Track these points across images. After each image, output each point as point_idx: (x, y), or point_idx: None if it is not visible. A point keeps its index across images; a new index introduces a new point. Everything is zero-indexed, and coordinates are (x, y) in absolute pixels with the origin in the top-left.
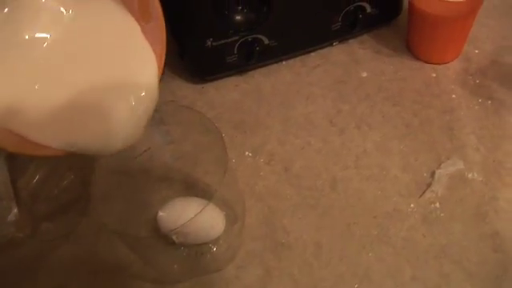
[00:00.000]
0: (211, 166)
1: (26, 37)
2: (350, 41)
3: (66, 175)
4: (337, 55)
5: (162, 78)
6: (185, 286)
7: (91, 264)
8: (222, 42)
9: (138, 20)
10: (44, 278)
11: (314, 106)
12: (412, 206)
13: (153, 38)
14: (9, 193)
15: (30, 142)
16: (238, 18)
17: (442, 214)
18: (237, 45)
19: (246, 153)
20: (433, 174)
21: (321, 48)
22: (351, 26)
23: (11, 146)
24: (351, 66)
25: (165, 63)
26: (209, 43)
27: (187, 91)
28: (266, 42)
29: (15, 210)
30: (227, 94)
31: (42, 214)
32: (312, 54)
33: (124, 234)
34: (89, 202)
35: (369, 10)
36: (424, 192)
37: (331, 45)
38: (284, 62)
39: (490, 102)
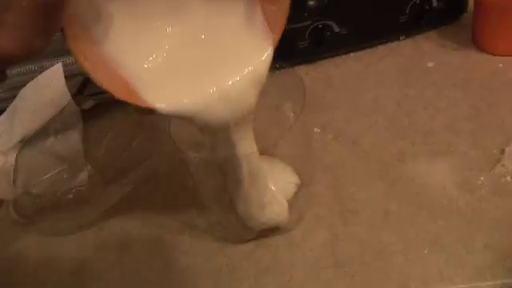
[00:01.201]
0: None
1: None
2: (417, 36)
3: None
4: (404, 48)
5: None
6: (249, 247)
7: (155, 226)
8: (295, 26)
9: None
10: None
11: (381, 90)
12: (482, 178)
13: (274, 19)
14: (81, 158)
15: (138, 96)
16: (311, 2)
17: None
18: (308, 30)
19: (315, 129)
20: (503, 150)
21: (388, 41)
22: (417, 19)
23: (121, 94)
24: (418, 58)
25: None
26: None
27: None
28: (336, 29)
29: (85, 172)
30: None
31: (111, 176)
32: (380, 46)
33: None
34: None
35: (435, 3)
36: (494, 167)
37: (398, 39)
38: (352, 54)
39: None
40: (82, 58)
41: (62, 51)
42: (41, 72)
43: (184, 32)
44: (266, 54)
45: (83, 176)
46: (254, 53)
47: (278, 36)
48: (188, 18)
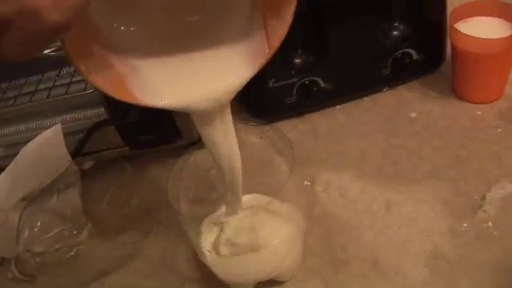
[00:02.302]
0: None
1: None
2: (399, 87)
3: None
4: (387, 99)
5: None
6: None
7: (155, 280)
8: (283, 83)
9: (263, 12)
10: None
11: (367, 141)
12: (465, 225)
13: (272, 33)
14: (80, 216)
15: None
16: (298, 60)
17: (495, 232)
18: (296, 86)
19: (305, 182)
20: (484, 196)
21: (372, 93)
22: (399, 71)
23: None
24: (400, 108)
25: None
26: (271, 84)
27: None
28: (322, 84)
29: (86, 230)
30: (286, 134)
31: (112, 233)
32: (364, 98)
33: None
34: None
35: (415, 56)
36: (476, 213)
37: (381, 90)
38: (338, 106)
39: None
40: (80, 62)
41: (61, 110)
42: (40, 129)
43: (182, 35)
44: (246, 76)
45: (84, 234)
46: (237, 71)
47: (273, 50)
48: (189, 23)
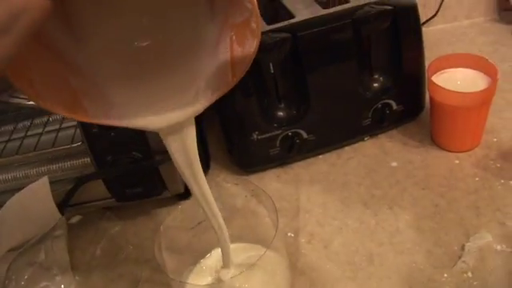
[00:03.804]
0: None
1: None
2: (380, 135)
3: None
4: (368, 148)
5: (209, 172)
6: None
7: None
8: (266, 135)
9: (230, 41)
10: None
11: (349, 192)
12: (445, 275)
13: (239, 61)
14: (67, 269)
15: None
16: (281, 114)
17: (475, 283)
18: (279, 138)
19: (289, 234)
20: (463, 246)
21: (354, 142)
22: (380, 122)
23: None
24: (381, 157)
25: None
26: (255, 136)
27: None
28: (305, 136)
29: (73, 285)
30: (270, 184)
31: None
32: (346, 148)
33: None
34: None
35: (395, 106)
36: (456, 263)
37: (363, 140)
38: (321, 156)
39: (511, 182)
40: (26, 86)
41: (47, 159)
42: (25, 180)
43: (146, 57)
44: (206, 104)
45: (71, 286)
46: (198, 99)
47: (237, 79)
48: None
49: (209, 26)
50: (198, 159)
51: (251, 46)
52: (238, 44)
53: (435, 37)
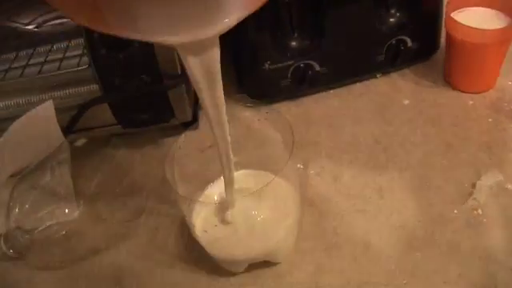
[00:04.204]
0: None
1: None
2: (392, 74)
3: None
4: (380, 86)
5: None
6: (238, 281)
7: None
8: (278, 65)
9: None
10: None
11: (360, 127)
12: (455, 211)
13: None
14: (71, 194)
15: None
16: (293, 43)
17: (484, 220)
18: (291, 69)
19: (298, 165)
20: (474, 184)
21: (366, 79)
22: (394, 58)
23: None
24: (394, 95)
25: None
26: (266, 66)
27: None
28: (317, 68)
29: (77, 209)
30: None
31: (103, 212)
32: (358, 84)
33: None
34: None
35: (409, 44)
36: (466, 200)
37: (375, 76)
38: (332, 91)
39: None
40: None
41: (52, 86)
42: (30, 105)
43: None
44: (226, 25)
45: (75, 212)
46: (218, 20)
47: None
48: None
49: None
50: (221, 80)
51: None
52: None
53: None
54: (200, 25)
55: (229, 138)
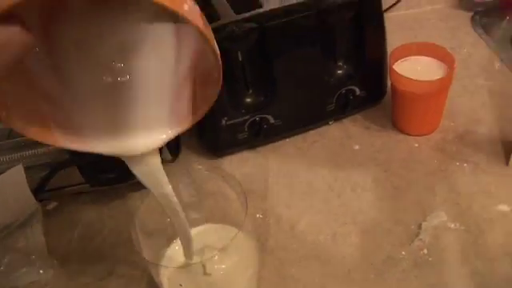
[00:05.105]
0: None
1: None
2: (344, 120)
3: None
4: (332, 132)
5: (178, 157)
6: None
7: None
8: (235, 120)
9: (193, 84)
10: None
11: (314, 174)
12: (403, 253)
13: (201, 99)
14: (45, 255)
15: (52, 135)
16: (248, 99)
17: (430, 259)
18: (247, 123)
19: (257, 215)
20: (420, 225)
21: (319, 126)
22: (344, 107)
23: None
24: (345, 141)
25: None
26: (223, 122)
27: (204, 166)
28: (272, 121)
29: (50, 268)
30: (239, 167)
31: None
32: (311, 131)
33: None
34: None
35: (358, 92)
36: (413, 241)
37: (327, 123)
38: (287, 139)
39: (465, 164)
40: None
41: (21, 146)
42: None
43: (112, 89)
44: (164, 137)
45: (49, 272)
46: (157, 132)
47: (196, 118)
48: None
49: (175, 69)
50: (166, 179)
51: (213, 92)
52: (201, 88)
53: (399, 22)
54: (140, 142)
55: (182, 215)
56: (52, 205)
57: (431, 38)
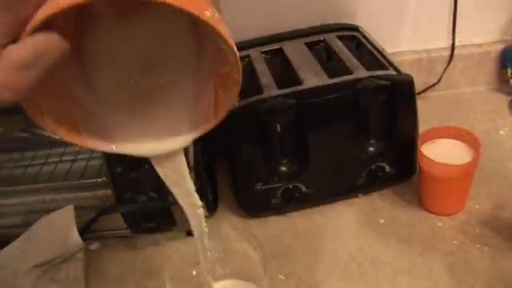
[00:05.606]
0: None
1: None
2: (373, 193)
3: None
4: (360, 204)
5: (216, 212)
6: None
7: None
8: (269, 186)
9: (215, 84)
10: None
11: (339, 243)
12: None
13: (221, 103)
14: None
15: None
16: (283, 168)
17: None
18: (280, 190)
19: (280, 276)
20: None
21: (348, 198)
22: (373, 182)
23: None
24: (372, 214)
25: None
26: (258, 187)
27: (235, 224)
28: (304, 189)
29: None
30: (269, 230)
31: None
32: (340, 202)
33: None
34: None
35: (388, 169)
36: None
37: (356, 196)
38: (317, 208)
39: (486, 248)
40: (35, 113)
41: (74, 189)
42: (52, 203)
43: (139, 91)
44: (188, 140)
45: None
46: (181, 135)
47: (217, 120)
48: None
49: (196, 73)
50: (191, 183)
51: (233, 93)
52: (221, 90)
53: (437, 101)
54: (163, 142)
55: (205, 229)
56: (94, 245)
57: (467, 120)
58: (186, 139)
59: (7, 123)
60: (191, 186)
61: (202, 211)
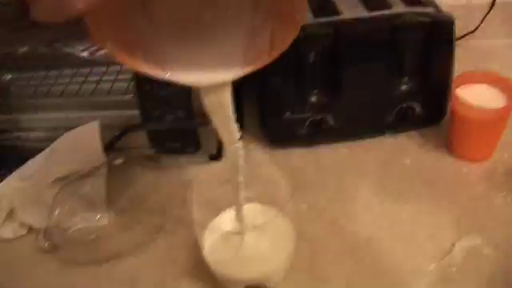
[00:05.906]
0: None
1: None
2: (400, 134)
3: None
4: (387, 144)
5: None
6: None
7: (160, 269)
8: (297, 116)
9: (272, 16)
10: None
11: (361, 179)
12: (433, 265)
13: (278, 36)
14: (104, 204)
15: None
16: (313, 99)
17: (457, 277)
18: (308, 121)
19: (302, 205)
20: (453, 244)
21: (375, 136)
22: (402, 121)
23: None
24: (397, 154)
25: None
26: (287, 115)
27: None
28: (331, 122)
29: (107, 217)
30: (294, 161)
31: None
32: (367, 139)
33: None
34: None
35: (418, 110)
36: (444, 257)
37: (383, 135)
38: (342, 144)
39: (511, 196)
40: (96, 30)
41: (99, 105)
42: (78, 120)
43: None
44: (239, 72)
45: (105, 220)
46: (232, 67)
47: (270, 58)
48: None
49: (255, 8)
50: (232, 113)
51: (291, 34)
52: (279, 28)
53: (472, 50)
54: (217, 74)
55: (241, 162)
56: (118, 161)
57: (501, 69)
58: (237, 73)
59: (33, 41)
60: (232, 115)
61: (239, 135)
